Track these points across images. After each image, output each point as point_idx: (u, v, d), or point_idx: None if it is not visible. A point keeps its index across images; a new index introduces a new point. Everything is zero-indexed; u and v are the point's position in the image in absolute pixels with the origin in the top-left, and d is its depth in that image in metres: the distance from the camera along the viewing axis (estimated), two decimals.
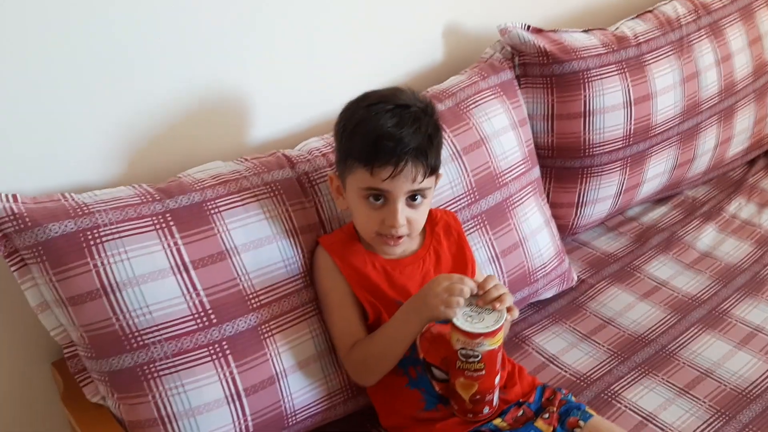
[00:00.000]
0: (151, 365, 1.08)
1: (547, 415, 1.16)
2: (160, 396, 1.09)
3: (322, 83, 1.44)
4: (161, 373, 1.08)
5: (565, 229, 1.68)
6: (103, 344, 1.07)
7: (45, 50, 1.11)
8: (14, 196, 1.07)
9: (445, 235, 1.28)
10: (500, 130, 1.47)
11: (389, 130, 1.10)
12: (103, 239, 1.07)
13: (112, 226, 1.08)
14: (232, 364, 1.12)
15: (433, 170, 1.14)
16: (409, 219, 1.15)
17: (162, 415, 1.09)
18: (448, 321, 1.09)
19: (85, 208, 1.09)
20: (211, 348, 1.11)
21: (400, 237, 1.16)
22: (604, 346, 1.44)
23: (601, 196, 1.67)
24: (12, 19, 1.06)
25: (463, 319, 1.06)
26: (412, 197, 1.14)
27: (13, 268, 1.08)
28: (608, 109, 1.60)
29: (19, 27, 1.07)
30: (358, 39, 1.48)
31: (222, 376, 1.11)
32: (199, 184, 1.18)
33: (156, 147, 1.28)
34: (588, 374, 1.37)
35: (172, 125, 1.28)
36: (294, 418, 1.19)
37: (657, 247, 1.71)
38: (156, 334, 1.08)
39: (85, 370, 1.14)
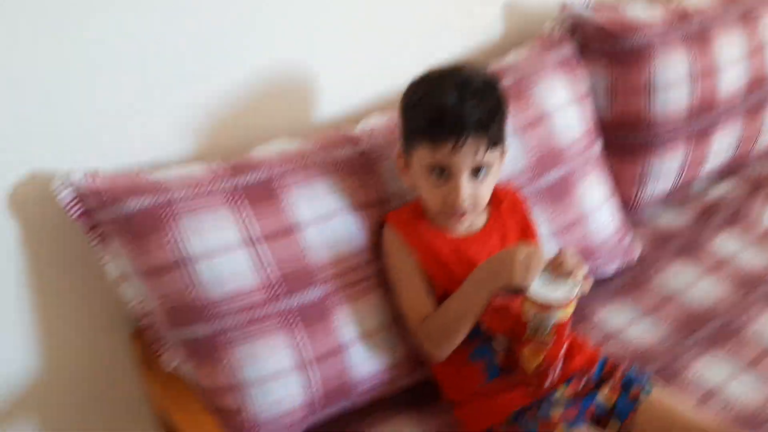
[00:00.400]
0: (226, 334, 1.12)
1: (609, 386, 1.17)
2: (235, 363, 1.13)
3: (385, 60, 1.46)
4: (235, 341, 1.13)
5: (628, 205, 1.66)
6: (179, 314, 1.12)
7: (121, 34, 1.15)
8: (94, 174, 1.13)
9: (510, 213, 1.29)
10: (561, 105, 1.46)
11: (450, 106, 1.11)
12: (178, 214, 1.12)
13: (187, 202, 1.12)
14: (302, 333, 1.16)
15: (495, 144, 1.15)
16: (474, 194, 1.16)
17: (236, 381, 1.14)
18: (516, 291, 1.10)
19: (160, 184, 1.14)
20: (281, 317, 1.15)
21: (464, 212, 1.17)
22: (667, 321, 1.43)
23: (665, 171, 1.65)
24: (81, 7, 1.11)
25: (536, 289, 1.07)
26: (475, 172, 1.15)
27: (94, 243, 1.14)
28: (671, 83, 1.58)
29: (89, 13, 1.12)
30: (421, 16, 1.49)
31: (292, 344, 1.15)
32: (268, 161, 1.22)
33: (225, 126, 1.32)
34: (651, 348, 1.37)
35: (240, 106, 1.32)
36: (359, 387, 1.23)
37: (722, 222, 1.69)
38: (229, 304, 1.12)
39: (162, 339, 1.19)
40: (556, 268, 1.09)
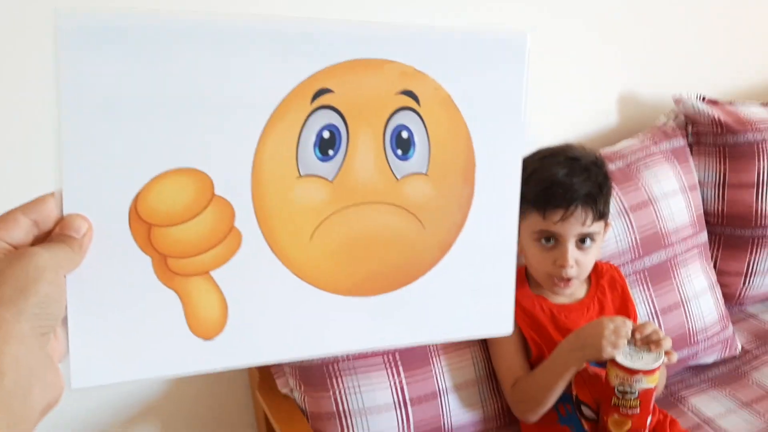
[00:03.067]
0: (336, 364, 1.24)
1: None
2: (340, 393, 1.24)
3: None
4: (343, 373, 1.24)
5: (732, 298, 1.67)
6: None
7: None
8: None
9: (609, 288, 1.35)
10: (669, 193, 1.52)
11: (561, 179, 1.21)
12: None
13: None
14: (402, 374, 1.26)
15: (601, 215, 1.23)
16: (578, 261, 1.23)
17: (339, 410, 1.24)
18: (604, 363, 1.16)
19: None
20: (385, 356, 1.26)
21: (569, 278, 1.24)
22: (765, 416, 1.42)
23: None
24: None
25: (623, 356, 1.13)
26: (581, 240, 1.23)
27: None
28: None
29: None
30: (536, 102, 1.59)
31: (392, 383, 1.25)
32: None
33: None
34: None
35: None
36: None
37: None
38: None
39: (280, 364, 1.31)
40: (642, 339, 1.14)
